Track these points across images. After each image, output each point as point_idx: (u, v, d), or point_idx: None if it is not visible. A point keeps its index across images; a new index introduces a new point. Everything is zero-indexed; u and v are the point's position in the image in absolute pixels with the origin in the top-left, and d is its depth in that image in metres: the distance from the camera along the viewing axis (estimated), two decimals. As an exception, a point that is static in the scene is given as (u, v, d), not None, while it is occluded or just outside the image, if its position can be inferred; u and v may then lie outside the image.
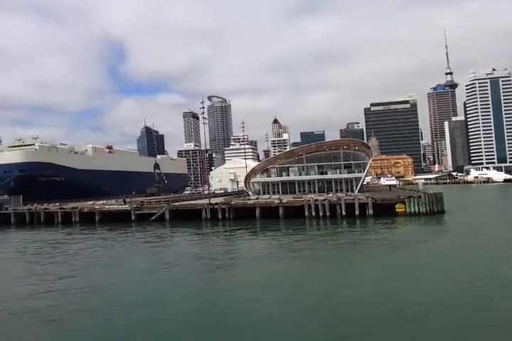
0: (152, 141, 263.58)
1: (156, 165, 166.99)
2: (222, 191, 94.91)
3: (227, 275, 21.20)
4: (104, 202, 61.34)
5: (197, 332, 13.15)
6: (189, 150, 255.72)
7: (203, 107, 62.99)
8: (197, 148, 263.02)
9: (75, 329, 13.98)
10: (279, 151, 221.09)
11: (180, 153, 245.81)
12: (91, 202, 60.45)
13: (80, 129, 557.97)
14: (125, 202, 54.17)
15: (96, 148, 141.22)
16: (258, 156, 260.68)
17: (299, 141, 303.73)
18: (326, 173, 64.85)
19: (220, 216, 46.84)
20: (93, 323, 14.40)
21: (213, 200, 51.94)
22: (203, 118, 61.25)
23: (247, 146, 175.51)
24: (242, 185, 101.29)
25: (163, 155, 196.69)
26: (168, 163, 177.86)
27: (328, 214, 44.88)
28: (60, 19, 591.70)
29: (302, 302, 15.83)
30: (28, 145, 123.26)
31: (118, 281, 20.28)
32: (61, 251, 31.19)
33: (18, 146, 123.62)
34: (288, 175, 65.75)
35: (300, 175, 65.51)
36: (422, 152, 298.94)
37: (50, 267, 24.74)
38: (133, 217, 48.96)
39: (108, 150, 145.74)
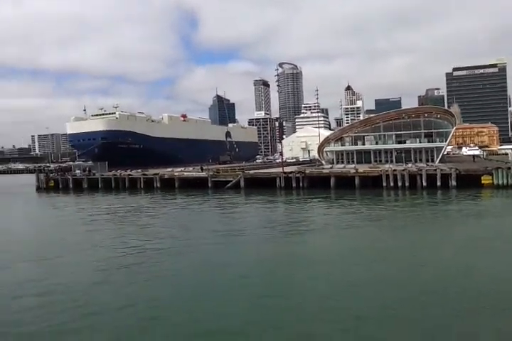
0: (223, 110, 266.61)
1: (228, 134, 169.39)
2: (294, 160, 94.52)
3: (303, 241, 21.23)
4: (182, 169, 63.65)
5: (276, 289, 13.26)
6: (259, 119, 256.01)
7: (277, 74, 61.96)
8: (267, 116, 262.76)
9: (172, 282, 14.82)
10: (351, 119, 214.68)
11: (250, 122, 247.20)
12: (170, 169, 62.99)
13: (154, 98, 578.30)
14: (202, 170, 55.83)
15: (171, 117, 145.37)
16: (329, 125, 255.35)
17: (373, 108, 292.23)
18: (405, 142, 61.94)
19: (294, 184, 46.82)
20: (188, 276, 15.05)
21: (286, 169, 51.85)
22: (278, 85, 60.31)
23: (318, 114, 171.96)
24: (313, 154, 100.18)
25: (235, 124, 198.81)
26: (239, 131, 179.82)
27: (407, 184, 43.21)
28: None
29: (382, 271, 15.39)
30: (109, 113, 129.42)
31: (201, 243, 21.11)
32: (147, 214, 33.01)
33: (100, 115, 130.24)
34: (363, 144, 63.68)
35: (376, 144, 63.14)
36: (510, 120, 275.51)
37: (139, 229, 26.37)
38: (209, 184, 50.46)
39: (182, 118, 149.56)
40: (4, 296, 13.66)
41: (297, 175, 47.31)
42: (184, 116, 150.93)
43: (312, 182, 46.88)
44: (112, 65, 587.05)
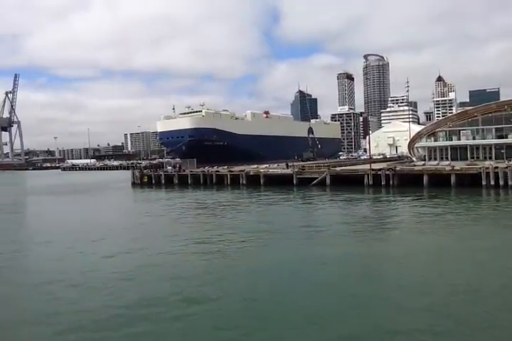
0: (305, 105, 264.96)
1: (310, 130, 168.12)
2: (381, 156, 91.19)
3: (397, 240, 20.12)
4: (267, 166, 64.31)
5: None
6: (343, 114, 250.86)
7: (366, 67, 59.66)
8: (351, 111, 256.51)
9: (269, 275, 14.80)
10: (443, 113, 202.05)
11: (333, 117, 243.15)
12: (254, 166, 63.92)
13: (237, 95, 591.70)
14: (287, 167, 55.87)
15: (254, 114, 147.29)
16: (418, 119, 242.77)
17: (467, 100, 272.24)
18: (506, 137, 56.79)
19: (383, 182, 45.02)
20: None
21: (374, 166, 50.01)
22: (367, 78, 58.15)
23: (406, 108, 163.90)
24: (401, 150, 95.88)
25: (317, 120, 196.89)
26: (321, 127, 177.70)
27: (510, 183, 39.61)
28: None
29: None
30: (196, 112, 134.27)
31: (290, 238, 21.12)
32: (239, 208, 33.70)
33: (187, 113, 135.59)
34: (459, 139, 59.46)
35: (474, 139, 58.63)
36: None
37: (231, 221, 27.18)
38: (295, 181, 50.29)
39: (265, 115, 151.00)
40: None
41: (387, 173, 45.42)
42: (267, 112, 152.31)
43: (403, 180, 44.73)
44: (197, 63, 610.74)
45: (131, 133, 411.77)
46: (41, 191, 61.80)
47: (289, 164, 57.68)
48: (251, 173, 54.51)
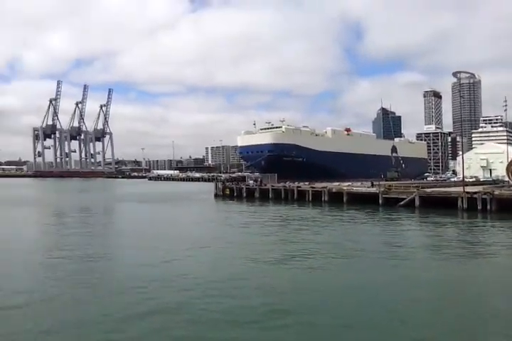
0: (388, 123, 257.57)
1: (394, 149, 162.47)
2: (473, 179, 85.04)
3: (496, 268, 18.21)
4: (349, 183, 62.78)
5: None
6: (429, 133, 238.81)
7: (459, 84, 56.52)
8: (438, 130, 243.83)
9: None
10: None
11: (419, 136, 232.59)
12: (337, 183, 62.72)
13: (316, 112, 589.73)
14: (372, 185, 54.03)
15: (335, 131, 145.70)
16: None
17: None
18: None
19: (479, 207, 41.68)
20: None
21: (467, 189, 46.61)
22: (461, 96, 55.03)
23: (500, 129, 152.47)
24: (496, 173, 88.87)
25: (401, 138, 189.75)
26: (406, 146, 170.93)
27: None
28: (299, 4, 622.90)
29: None
30: (276, 127, 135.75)
31: (373, 258, 20.07)
32: (323, 225, 33.02)
33: (267, 129, 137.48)
34: None
35: None
36: None
37: (315, 237, 26.73)
38: (380, 201, 48.35)
39: (346, 132, 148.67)
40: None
41: (483, 196, 42.06)
42: (348, 129, 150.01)
43: (502, 206, 41.05)
44: (275, 80, 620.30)
45: (211, 147, 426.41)
46: (132, 198, 65.59)
47: (375, 183, 55.75)
48: (333, 190, 53.42)
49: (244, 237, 27.50)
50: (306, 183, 62.57)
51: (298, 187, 58.19)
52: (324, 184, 61.54)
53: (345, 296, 14.63)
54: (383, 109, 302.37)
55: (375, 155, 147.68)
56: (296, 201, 55.14)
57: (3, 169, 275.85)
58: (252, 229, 31.17)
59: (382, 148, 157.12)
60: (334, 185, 58.17)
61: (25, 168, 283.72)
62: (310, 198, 54.43)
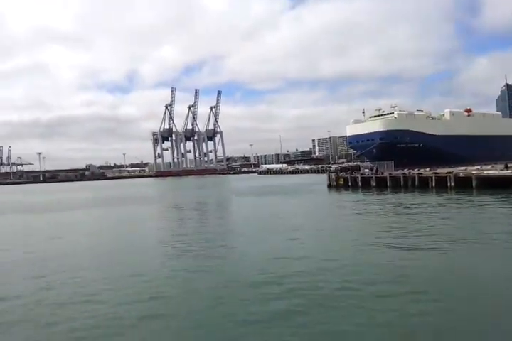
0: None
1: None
2: None
3: None
4: (478, 167, 57.14)
5: None
6: None
7: None
8: None
9: None
10: None
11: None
12: (463, 168, 57.45)
13: (427, 95, 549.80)
14: (507, 168, 48.39)
15: (453, 112, 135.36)
16: None
17: None
18: None
19: None
20: None
21: None
22: None
23: None
24: None
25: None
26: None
27: None
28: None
29: None
30: (387, 114, 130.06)
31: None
32: (452, 211, 30.20)
33: (378, 116, 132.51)
34: None
35: None
36: None
37: (442, 220, 24.14)
38: (517, 185, 43.08)
39: (467, 113, 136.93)
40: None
41: None
42: (469, 110, 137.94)
43: None
44: (381, 66, 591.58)
45: (318, 139, 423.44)
46: (250, 191, 67.35)
47: (509, 165, 49.89)
48: (460, 175, 48.92)
49: (372, 225, 26.25)
50: (427, 169, 58.29)
51: (419, 173, 54.47)
52: (447, 169, 56.78)
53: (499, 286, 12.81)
54: (508, 86, 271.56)
55: (503, 135, 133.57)
56: (416, 188, 51.67)
57: (128, 171, 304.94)
58: (377, 217, 29.72)
59: (510, 127, 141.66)
60: (461, 170, 53.34)
61: (147, 169, 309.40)
62: (433, 185, 50.53)
